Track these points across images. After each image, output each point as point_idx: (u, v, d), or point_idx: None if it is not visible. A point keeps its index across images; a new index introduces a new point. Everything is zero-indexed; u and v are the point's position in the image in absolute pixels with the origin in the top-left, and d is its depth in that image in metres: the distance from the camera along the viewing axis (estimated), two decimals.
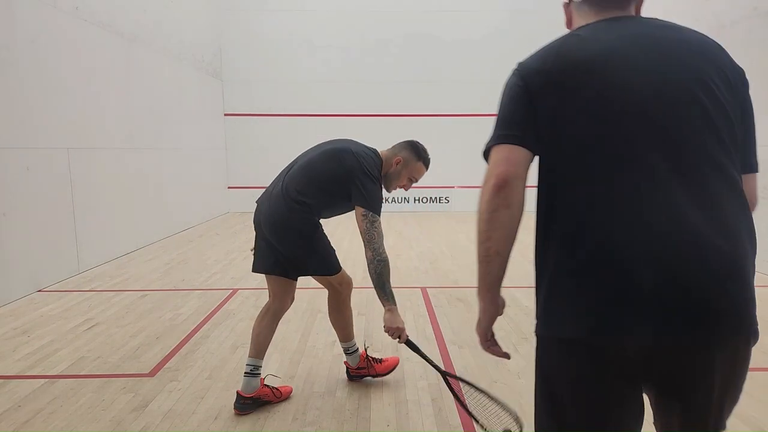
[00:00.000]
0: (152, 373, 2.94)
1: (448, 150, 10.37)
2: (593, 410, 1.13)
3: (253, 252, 2.71)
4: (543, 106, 1.14)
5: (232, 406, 2.53)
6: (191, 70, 8.44)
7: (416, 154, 2.72)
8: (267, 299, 2.66)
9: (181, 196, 7.91)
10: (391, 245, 6.79)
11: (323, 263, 2.65)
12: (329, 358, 3.14)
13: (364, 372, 2.81)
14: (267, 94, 10.05)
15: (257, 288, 4.71)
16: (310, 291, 4.61)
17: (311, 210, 2.52)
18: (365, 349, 2.87)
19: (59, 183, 4.96)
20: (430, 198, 10.47)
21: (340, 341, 2.84)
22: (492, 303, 1.22)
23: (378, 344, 3.35)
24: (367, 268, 2.48)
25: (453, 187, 10.44)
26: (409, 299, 4.35)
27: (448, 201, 10.46)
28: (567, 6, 1.37)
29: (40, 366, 3.03)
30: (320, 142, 2.92)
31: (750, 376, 2.98)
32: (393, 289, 2.48)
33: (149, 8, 6.93)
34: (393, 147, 2.80)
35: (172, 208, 7.60)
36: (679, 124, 1.07)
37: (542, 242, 1.19)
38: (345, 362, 2.87)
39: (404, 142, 2.79)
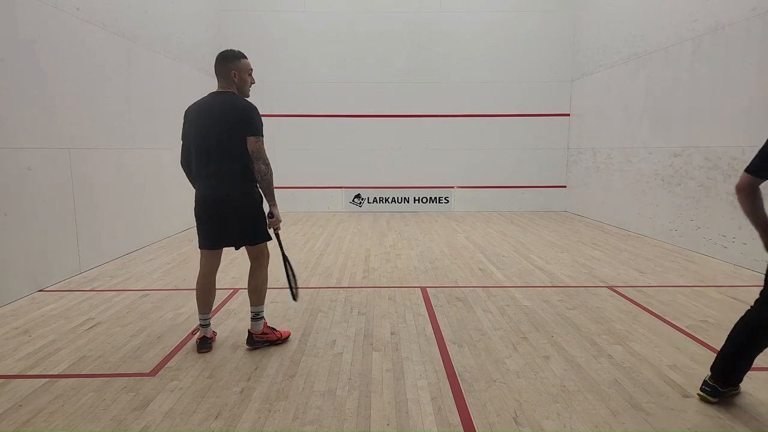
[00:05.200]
0: (153, 373, 2.94)
1: (448, 150, 10.39)
2: None
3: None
4: None
5: (234, 405, 2.55)
6: (191, 70, 8.44)
7: (237, 57, 3.18)
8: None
9: (181, 196, 7.90)
10: (391, 245, 6.81)
11: None
12: (329, 357, 3.15)
13: (267, 337, 3.29)
14: (267, 95, 10.05)
15: None
16: (310, 291, 4.61)
17: None
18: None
19: (60, 183, 4.96)
20: (430, 198, 10.48)
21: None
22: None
23: (378, 342, 3.36)
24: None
25: (453, 187, 10.45)
26: (409, 299, 4.35)
27: (448, 201, 10.47)
28: None
29: (41, 365, 3.04)
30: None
31: (750, 375, 3.00)
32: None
33: (150, 8, 6.94)
34: (219, 78, 3.19)
35: (173, 207, 7.61)
36: None
37: None
38: (249, 329, 3.30)
39: (217, 63, 3.19)
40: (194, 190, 3.16)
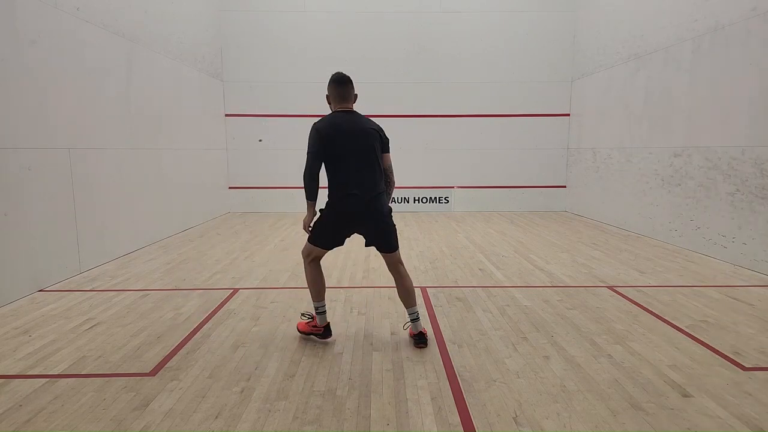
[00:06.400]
0: (153, 373, 2.94)
1: (448, 150, 10.39)
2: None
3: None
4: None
5: (234, 405, 2.55)
6: (192, 71, 8.44)
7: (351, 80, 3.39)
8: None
9: (181, 196, 7.92)
10: None
11: None
12: (330, 357, 3.15)
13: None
14: (268, 95, 10.06)
15: (258, 288, 4.72)
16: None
17: None
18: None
19: (60, 183, 4.96)
20: (430, 198, 10.48)
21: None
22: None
23: (378, 342, 3.36)
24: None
25: (453, 187, 10.45)
26: None
27: (448, 201, 10.47)
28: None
29: (42, 365, 3.04)
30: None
31: (749, 375, 2.99)
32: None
33: (150, 8, 6.94)
34: (343, 99, 3.36)
35: (173, 208, 7.61)
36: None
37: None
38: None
39: (340, 87, 3.33)
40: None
